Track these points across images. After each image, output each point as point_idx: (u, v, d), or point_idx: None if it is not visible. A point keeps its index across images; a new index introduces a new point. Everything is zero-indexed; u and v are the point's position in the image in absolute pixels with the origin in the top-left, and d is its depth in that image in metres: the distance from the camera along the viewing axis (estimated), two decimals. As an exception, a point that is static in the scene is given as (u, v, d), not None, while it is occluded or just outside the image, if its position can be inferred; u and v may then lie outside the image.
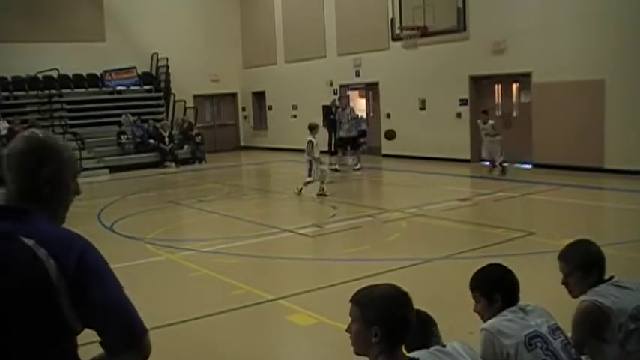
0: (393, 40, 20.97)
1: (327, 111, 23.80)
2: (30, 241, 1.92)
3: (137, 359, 2.08)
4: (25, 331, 1.93)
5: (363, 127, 24.81)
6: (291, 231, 11.42)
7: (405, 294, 2.71)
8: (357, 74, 23.32)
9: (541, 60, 17.11)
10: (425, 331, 3.25)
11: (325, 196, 14.49)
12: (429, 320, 3.39)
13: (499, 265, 3.66)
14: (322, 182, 14.77)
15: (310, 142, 14.83)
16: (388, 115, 22.25)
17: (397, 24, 20.37)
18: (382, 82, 22.37)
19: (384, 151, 22.36)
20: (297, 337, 6.80)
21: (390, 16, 20.74)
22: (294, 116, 26.01)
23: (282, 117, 26.64)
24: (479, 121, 17.40)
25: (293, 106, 26.12)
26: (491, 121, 16.92)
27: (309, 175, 14.83)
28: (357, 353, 2.75)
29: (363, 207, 13.51)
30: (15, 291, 1.90)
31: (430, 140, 20.31)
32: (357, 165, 19.72)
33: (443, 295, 7.01)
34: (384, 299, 2.70)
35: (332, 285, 8.02)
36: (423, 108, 20.80)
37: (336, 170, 19.09)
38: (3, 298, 1.90)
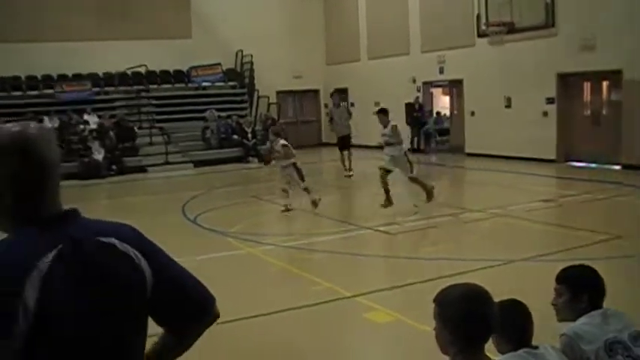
0: (479, 36, 20.61)
1: (410, 108, 23.66)
2: (110, 239, 1.93)
3: (208, 326, 2.17)
4: (136, 326, 1.99)
5: (446, 124, 24.60)
6: (370, 228, 11.38)
7: (485, 293, 2.66)
8: (441, 71, 23.05)
9: (633, 57, 16.50)
10: (526, 328, 3.19)
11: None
12: (528, 315, 3.28)
13: (593, 268, 3.56)
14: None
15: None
16: (472, 113, 21.92)
17: (483, 20, 20.03)
18: (466, 80, 22.04)
19: (467, 150, 22.04)
20: (374, 334, 6.76)
21: (476, 12, 20.40)
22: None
23: (365, 114, 26.53)
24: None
25: (375, 103, 26.00)
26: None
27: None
28: (444, 353, 2.72)
29: (445, 206, 13.34)
30: (132, 288, 1.94)
31: (515, 139, 19.86)
32: (347, 169, 18.69)
33: (524, 298, 6.84)
34: (462, 298, 2.66)
35: (411, 283, 7.96)
36: (508, 106, 20.38)
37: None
38: (130, 299, 1.94)
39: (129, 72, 25.25)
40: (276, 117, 26.30)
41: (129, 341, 1.94)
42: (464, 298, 2.66)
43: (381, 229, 11.27)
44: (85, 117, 23.44)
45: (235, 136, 24.19)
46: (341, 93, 24.24)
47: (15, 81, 24.07)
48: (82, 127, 22.94)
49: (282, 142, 13.71)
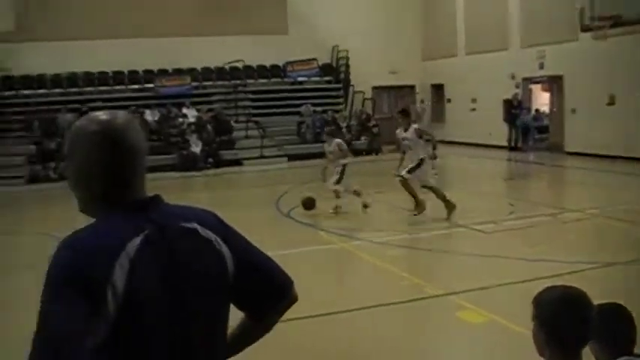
0: (582, 30, 19.89)
1: (508, 105, 23.17)
2: (192, 225, 1.98)
3: (287, 309, 2.21)
4: (221, 310, 2.03)
5: (545, 122, 23.96)
6: (465, 226, 11.19)
7: (584, 296, 2.55)
8: (541, 67, 22.45)
9: None
10: (627, 334, 2.99)
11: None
12: (631, 320, 3.07)
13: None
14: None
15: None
16: (573, 111, 21.23)
17: (587, 13, 19.33)
18: (567, 76, 21.37)
19: (567, 148, 21.39)
20: (466, 334, 6.63)
21: (579, 5, 19.73)
22: (474, 109, 25.52)
23: (461, 110, 26.19)
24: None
25: (472, 99, 25.63)
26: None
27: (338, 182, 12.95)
28: (540, 355, 2.64)
29: (542, 205, 12.99)
30: (214, 272, 1.99)
31: (618, 138, 19.13)
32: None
33: (625, 303, 6.58)
34: (560, 300, 2.56)
35: (505, 284, 7.78)
36: (611, 104, 19.64)
37: None
38: (213, 282, 1.98)
39: (227, 67, 25.75)
40: (370, 112, 26.27)
41: (212, 325, 1.99)
42: (562, 300, 2.56)
43: (477, 227, 11.05)
44: (184, 110, 24.02)
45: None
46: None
47: (118, 75, 24.90)
48: (180, 120, 23.54)
49: (337, 141, 13.36)
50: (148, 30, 24.15)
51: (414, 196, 11.98)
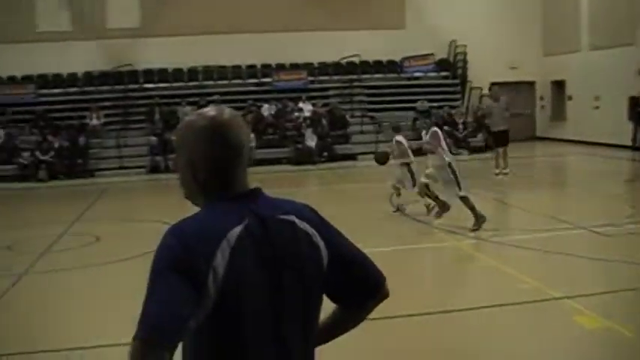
0: None
1: (634, 102, 22.16)
2: (290, 217, 2.09)
3: (377, 303, 2.27)
4: (314, 300, 2.11)
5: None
6: (584, 228, 10.78)
7: None
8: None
9: None
10: None
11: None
12: None
13: None
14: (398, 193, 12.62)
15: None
16: None
17: None
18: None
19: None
20: (581, 339, 6.37)
21: None
22: (597, 107, 24.55)
23: (583, 108, 25.25)
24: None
25: (595, 97, 24.66)
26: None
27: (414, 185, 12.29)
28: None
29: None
30: (310, 263, 2.07)
31: None
32: (503, 167, 17.25)
33: None
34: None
35: (626, 289, 7.45)
36: None
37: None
38: (308, 273, 2.07)
39: (343, 62, 25.83)
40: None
41: (305, 313, 2.07)
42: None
43: (596, 230, 10.62)
44: (300, 105, 24.29)
45: (446, 127, 23.94)
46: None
47: (236, 70, 25.47)
48: (296, 114, 23.82)
49: (398, 138, 13.01)
50: (267, 25, 24.58)
51: (435, 197, 11.51)
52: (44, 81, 25.10)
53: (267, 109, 24.04)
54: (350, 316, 2.30)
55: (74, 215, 13.22)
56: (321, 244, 2.10)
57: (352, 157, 22.61)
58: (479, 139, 24.21)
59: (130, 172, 21.69)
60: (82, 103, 24.26)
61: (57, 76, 25.25)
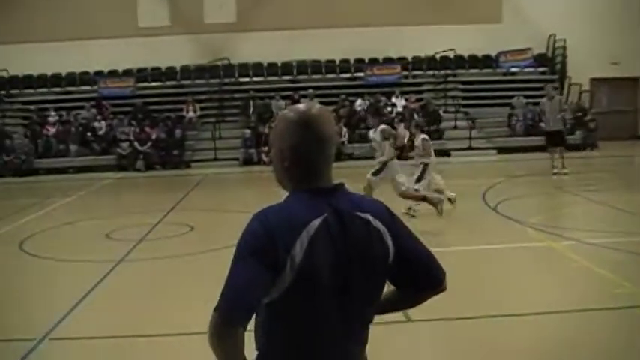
0: None
1: None
2: (366, 215, 2.25)
3: (433, 295, 2.49)
4: (377, 290, 2.34)
5: None
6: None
7: None
8: None
9: None
10: None
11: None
12: None
13: None
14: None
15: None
16: None
17: None
18: None
19: None
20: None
21: None
22: None
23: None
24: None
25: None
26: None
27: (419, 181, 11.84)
28: None
29: None
30: (378, 259, 2.27)
31: None
32: (560, 168, 16.57)
33: None
34: None
35: None
36: None
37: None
38: (375, 268, 2.27)
39: (437, 56, 25.53)
40: (587, 106, 24.97)
41: (368, 301, 2.30)
42: None
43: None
44: (393, 100, 24.15)
45: (542, 125, 23.34)
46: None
47: (330, 64, 25.55)
48: (389, 109, 23.69)
49: (423, 136, 12.49)
50: (361, 19, 24.55)
51: (415, 197, 11.24)
52: (143, 75, 25.83)
53: (359, 104, 24.02)
54: (406, 301, 2.57)
55: (169, 205, 13.55)
56: (390, 241, 2.28)
57: (445, 153, 22.27)
58: (576, 136, 23.47)
59: (224, 164, 22.07)
60: (178, 96, 24.91)
61: (155, 69, 25.95)
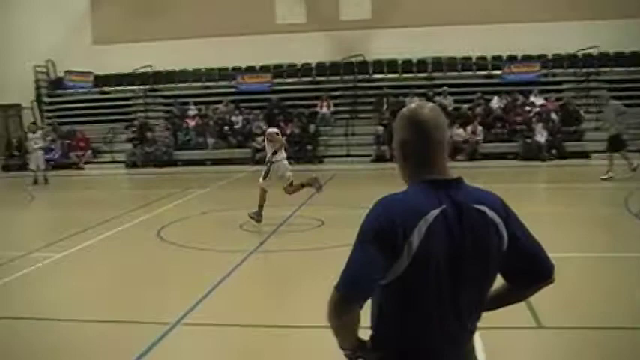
0: None
1: None
2: (483, 207, 2.36)
3: (541, 288, 2.56)
4: (488, 280, 2.44)
5: None
6: None
7: None
8: None
9: None
10: None
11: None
12: None
13: None
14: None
15: None
16: None
17: None
18: None
19: None
20: None
21: None
22: None
23: None
24: None
25: None
26: None
27: None
28: None
29: None
30: (492, 250, 2.36)
31: None
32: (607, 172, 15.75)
33: None
34: None
35: None
36: None
37: None
38: (488, 259, 2.36)
39: (579, 53, 24.47)
40: None
41: (479, 291, 2.40)
42: None
43: None
44: (531, 98, 23.42)
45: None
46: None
47: (466, 62, 25.07)
48: (527, 108, 22.98)
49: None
50: (498, 15, 23.97)
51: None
52: (279, 71, 26.29)
53: (496, 102, 23.45)
54: (515, 293, 2.63)
55: (302, 199, 13.67)
56: (505, 232, 2.37)
57: (585, 155, 21.37)
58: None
59: (356, 160, 22.12)
60: (313, 92, 25.18)
61: (291, 65, 26.35)
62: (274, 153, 11.67)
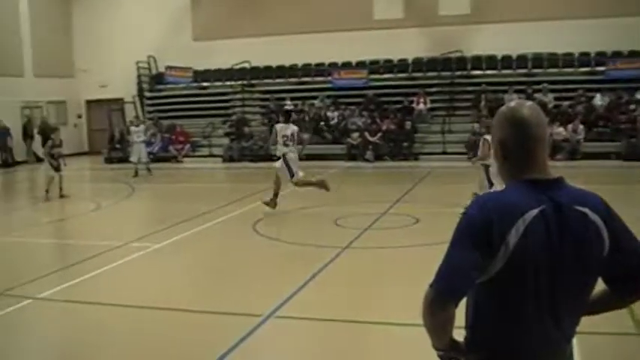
0: None
1: None
2: (584, 209, 2.28)
3: None
4: (588, 284, 2.35)
5: None
6: None
7: None
8: None
9: None
10: None
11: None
12: None
13: None
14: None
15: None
16: None
17: None
18: None
19: None
20: None
21: None
22: None
23: None
24: None
25: None
26: None
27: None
28: None
29: None
30: (592, 253, 2.28)
31: None
32: None
33: None
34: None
35: None
36: None
37: None
38: (588, 261, 2.29)
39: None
40: None
41: (578, 293, 2.33)
42: None
43: None
44: (637, 96, 22.53)
45: None
46: None
47: (567, 57, 24.32)
48: (631, 106, 22.14)
49: (485, 137, 11.21)
50: (602, 9, 23.14)
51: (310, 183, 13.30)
52: (376, 66, 26.23)
53: (599, 100, 22.69)
54: (616, 299, 2.49)
55: (396, 196, 13.63)
56: (606, 235, 2.28)
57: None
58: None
59: (452, 158, 21.85)
60: (409, 89, 25.00)
61: (388, 61, 26.25)
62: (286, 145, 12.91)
